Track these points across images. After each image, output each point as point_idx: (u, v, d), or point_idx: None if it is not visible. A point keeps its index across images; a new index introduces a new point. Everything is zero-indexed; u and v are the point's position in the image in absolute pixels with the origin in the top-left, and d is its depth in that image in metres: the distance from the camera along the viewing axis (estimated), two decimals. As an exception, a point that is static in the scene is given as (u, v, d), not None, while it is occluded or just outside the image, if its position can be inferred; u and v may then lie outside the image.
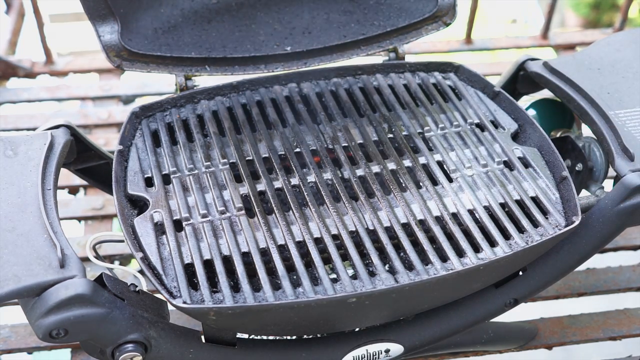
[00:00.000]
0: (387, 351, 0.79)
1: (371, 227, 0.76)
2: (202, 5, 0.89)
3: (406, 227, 0.76)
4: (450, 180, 0.82)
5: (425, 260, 0.73)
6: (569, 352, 1.05)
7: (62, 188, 1.15)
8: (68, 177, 1.06)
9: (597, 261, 1.02)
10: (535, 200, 0.80)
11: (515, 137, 0.88)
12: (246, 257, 0.72)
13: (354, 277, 0.72)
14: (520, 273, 0.83)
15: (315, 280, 0.71)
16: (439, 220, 0.77)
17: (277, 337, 0.79)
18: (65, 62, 1.38)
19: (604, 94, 0.86)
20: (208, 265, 0.72)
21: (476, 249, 0.75)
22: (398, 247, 0.75)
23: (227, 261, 0.72)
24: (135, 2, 0.86)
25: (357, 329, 0.79)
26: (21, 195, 0.72)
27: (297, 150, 0.84)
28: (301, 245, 0.74)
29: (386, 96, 0.92)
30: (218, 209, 0.76)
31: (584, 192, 0.89)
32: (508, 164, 0.84)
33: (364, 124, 0.88)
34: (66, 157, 0.81)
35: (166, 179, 0.80)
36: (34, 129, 0.88)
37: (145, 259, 0.71)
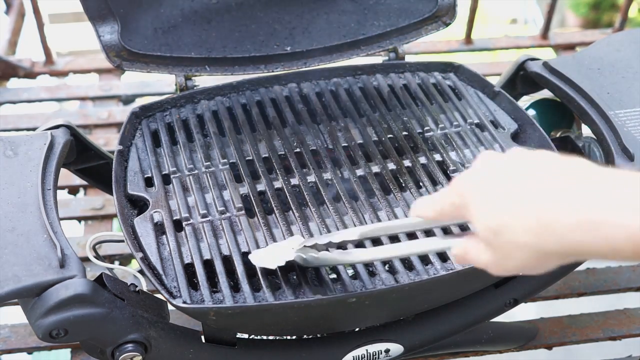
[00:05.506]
0: (387, 351, 0.79)
1: (371, 227, 0.76)
2: (202, 5, 0.89)
3: (406, 227, 0.76)
4: (450, 180, 0.82)
5: (425, 260, 0.73)
6: (569, 352, 1.05)
7: (62, 188, 1.15)
8: (68, 177, 1.06)
9: (597, 261, 1.02)
10: (535, 200, 0.80)
11: (515, 137, 0.88)
12: (246, 257, 0.72)
13: (354, 277, 0.72)
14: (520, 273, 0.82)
15: (315, 280, 0.71)
16: (439, 220, 0.77)
17: (277, 337, 0.79)
18: (65, 62, 1.38)
19: (604, 94, 0.86)
20: (208, 265, 0.72)
21: (476, 249, 0.75)
22: (398, 247, 0.75)
23: (227, 261, 0.72)
24: (135, 2, 0.85)
25: (357, 329, 0.79)
26: (21, 195, 0.72)
27: (297, 150, 0.84)
28: (301, 245, 0.74)
29: (386, 96, 0.92)
30: (218, 209, 0.76)
31: (584, 192, 0.88)
32: (508, 164, 0.83)
33: (364, 124, 0.88)
34: (66, 157, 0.81)
35: (166, 179, 0.80)
36: (34, 129, 0.88)
37: (145, 259, 0.71)
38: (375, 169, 0.82)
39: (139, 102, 1.27)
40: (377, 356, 0.79)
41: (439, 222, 0.65)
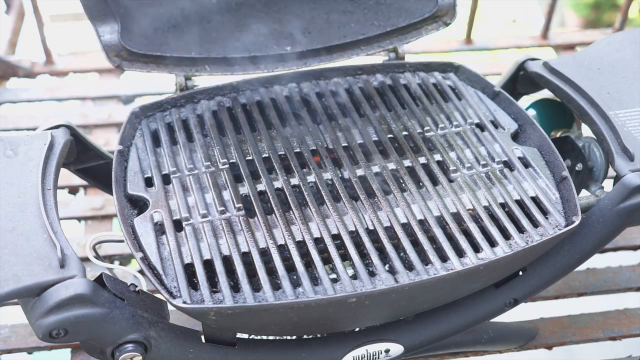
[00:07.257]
0: (387, 351, 0.79)
1: (371, 227, 0.76)
2: (202, 5, 0.89)
3: (406, 227, 0.76)
4: (450, 180, 0.82)
5: (425, 260, 0.73)
6: (569, 352, 1.05)
7: (62, 188, 1.15)
8: (68, 177, 1.06)
9: (597, 261, 1.02)
10: (535, 200, 0.80)
11: (515, 137, 0.88)
12: (246, 257, 0.72)
13: (354, 277, 0.72)
14: (520, 273, 0.83)
15: (315, 280, 0.71)
16: (439, 220, 0.77)
17: (277, 337, 0.79)
18: (65, 62, 1.38)
19: (604, 94, 0.86)
20: (208, 265, 0.72)
21: (476, 249, 0.75)
22: (398, 247, 0.75)
23: (227, 261, 0.72)
24: (135, 2, 0.85)
25: (357, 329, 0.79)
26: (21, 195, 0.72)
27: (297, 150, 0.84)
28: (301, 245, 0.74)
29: (386, 96, 0.92)
30: (218, 209, 0.76)
31: (584, 192, 0.89)
32: (508, 164, 0.84)
33: (364, 124, 0.88)
34: (66, 157, 0.81)
35: (166, 179, 0.80)
36: (34, 129, 0.88)
37: (145, 259, 0.71)
38: (375, 169, 0.82)
39: (139, 102, 1.27)
40: (377, 356, 0.79)
41: None
